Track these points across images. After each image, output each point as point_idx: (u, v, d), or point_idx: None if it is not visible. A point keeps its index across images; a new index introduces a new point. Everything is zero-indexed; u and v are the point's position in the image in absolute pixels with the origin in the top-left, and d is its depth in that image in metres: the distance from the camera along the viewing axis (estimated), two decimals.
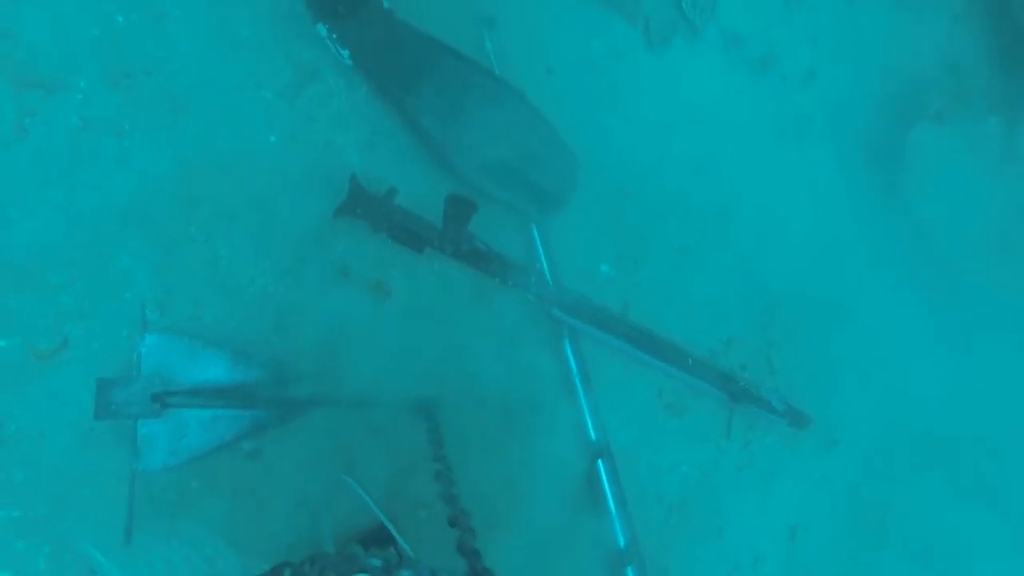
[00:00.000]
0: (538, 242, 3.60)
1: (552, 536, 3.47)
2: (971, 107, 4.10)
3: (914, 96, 4.29)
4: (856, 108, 4.28)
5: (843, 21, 4.38)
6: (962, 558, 4.24)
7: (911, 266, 4.09)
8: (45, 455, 2.66)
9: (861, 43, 4.39)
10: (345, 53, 3.22)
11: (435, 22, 3.40)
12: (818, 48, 4.33)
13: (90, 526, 2.65)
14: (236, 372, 2.89)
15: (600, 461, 3.59)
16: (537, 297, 3.52)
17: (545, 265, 3.58)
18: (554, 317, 3.56)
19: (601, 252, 3.78)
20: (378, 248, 3.30)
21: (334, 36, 3.19)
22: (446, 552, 2.34)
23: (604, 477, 3.57)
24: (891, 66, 4.40)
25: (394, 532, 2.58)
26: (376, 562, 2.06)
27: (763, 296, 4.05)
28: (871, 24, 4.42)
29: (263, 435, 2.97)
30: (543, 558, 3.38)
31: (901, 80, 4.38)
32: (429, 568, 2.08)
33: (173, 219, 3.01)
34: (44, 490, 2.65)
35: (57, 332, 2.75)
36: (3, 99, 2.81)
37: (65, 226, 2.84)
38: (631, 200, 3.86)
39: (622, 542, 3.52)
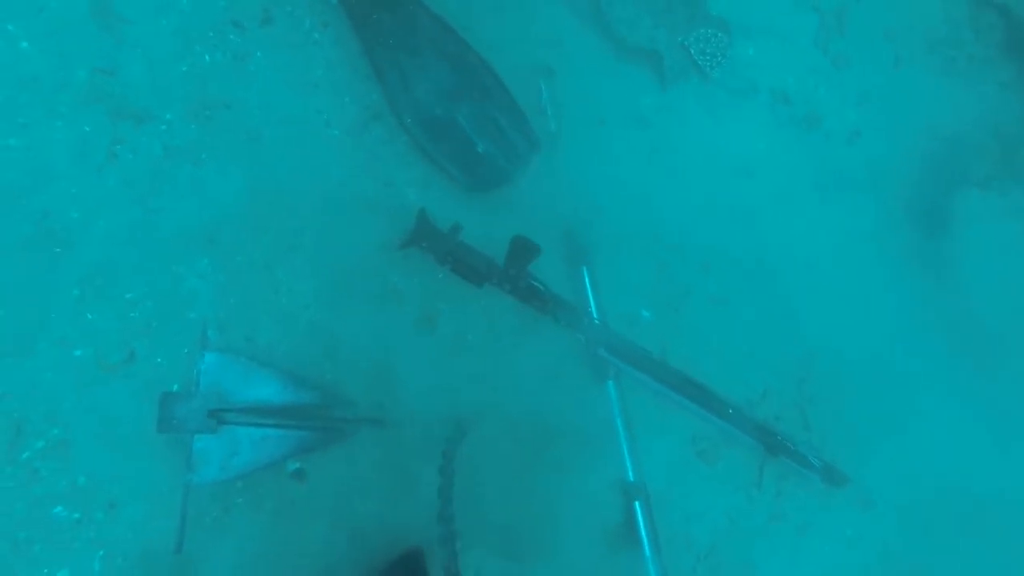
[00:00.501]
0: (587, 284, 3.62)
1: (585, 572, 3.42)
2: (1018, 175, 4.03)
3: (959, 161, 4.23)
4: (900, 171, 4.24)
5: (889, 84, 4.37)
6: None
7: (952, 332, 3.99)
8: (107, 462, 2.74)
9: (907, 106, 4.37)
10: None
11: (496, 66, 3.50)
12: (864, 109, 4.31)
13: (142, 534, 2.71)
14: (287, 394, 2.95)
15: (637, 503, 3.54)
16: (586, 337, 3.53)
17: (593, 306, 3.60)
18: (600, 357, 3.55)
19: (643, 298, 3.78)
20: (429, 282, 3.36)
21: None
22: None
23: (640, 520, 3.52)
24: (937, 130, 4.36)
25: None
26: None
27: (800, 350, 3.98)
28: (917, 88, 4.40)
29: (308, 456, 3.01)
30: None
31: (946, 144, 4.33)
32: None
33: (239, 245, 3.11)
34: (103, 496, 2.72)
35: (126, 346, 2.85)
36: (100, 127, 2.98)
37: (142, 246, 2.97)
38: (674, 249, 3.87)
39: None
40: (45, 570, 2.64)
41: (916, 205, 4.21)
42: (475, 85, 3.36)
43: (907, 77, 4.40)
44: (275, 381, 2.95)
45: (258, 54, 3.31)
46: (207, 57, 3.25)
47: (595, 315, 3.58)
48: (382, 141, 3.39)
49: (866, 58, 4.32)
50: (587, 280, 3.62)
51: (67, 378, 2.74)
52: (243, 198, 3.18)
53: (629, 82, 3.94)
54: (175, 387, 2.84)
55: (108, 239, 2.92)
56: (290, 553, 2.88)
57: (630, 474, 3.58)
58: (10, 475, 2.69)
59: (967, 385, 3.98)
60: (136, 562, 2.67)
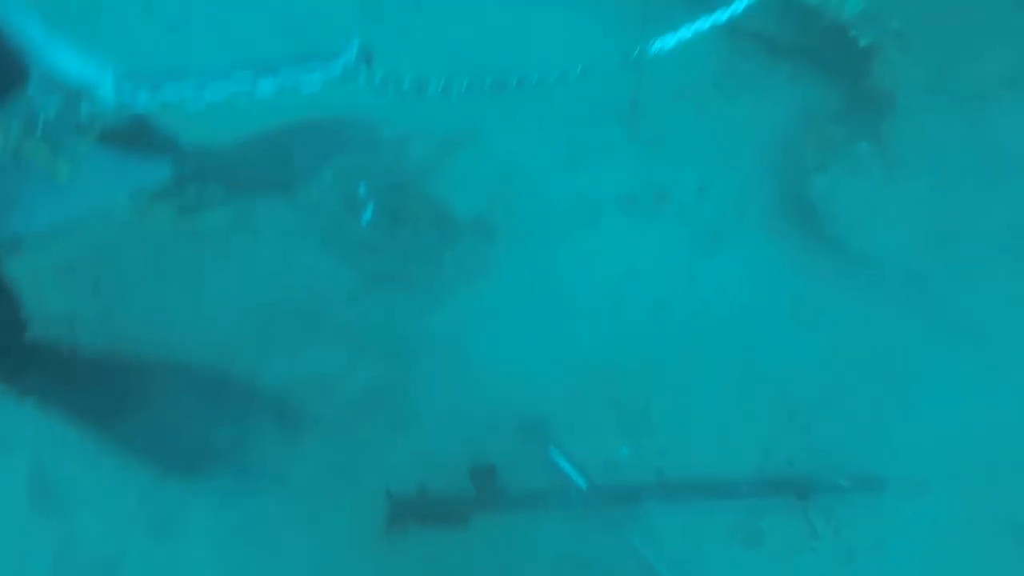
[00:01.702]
0: (561, 461, 3.73)
1: None
2: (838, 146, 4.21)
3: (796, 160, 4.43)
4: (755, 192, 4.45)
5: (696, 131, 4.63)
6: None
7: (874, 292, 4.07)
8: None
9: (727, 139, 4.63)
10: None
11: None
12: (697, 167, 4.56)
13: None
14: None
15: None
16: (584, 510, 3.61)
17: (576, 477, 3.68)
18: (610, 517, 3.61)
19: (612, 438, 3.88)
20: (424, 546, 3.51)
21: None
22: None
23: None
24: (765, 146, 4.60)
25: None
26: None
27: (773, 393, 4.01)
28: (723, 121, 4.66)
29: None
30: None
31: (779, 152, 4.56)
32: None
33: None
34: None
35: None
36: None
37: None
38: (616, 380, 4.00)
39: None
40: None
41: (786, 216, 4.38)
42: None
43: (710, 117, 4.69)
44: None
45: None
46: None
47: (583, 484, 3.67)
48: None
49: (673, 126, 4.62)
50: (559, 458, 3.74)
51: None
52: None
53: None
54: None
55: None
56: None
57: None
58: None
59: (919, 343, 3.99)
60: None
